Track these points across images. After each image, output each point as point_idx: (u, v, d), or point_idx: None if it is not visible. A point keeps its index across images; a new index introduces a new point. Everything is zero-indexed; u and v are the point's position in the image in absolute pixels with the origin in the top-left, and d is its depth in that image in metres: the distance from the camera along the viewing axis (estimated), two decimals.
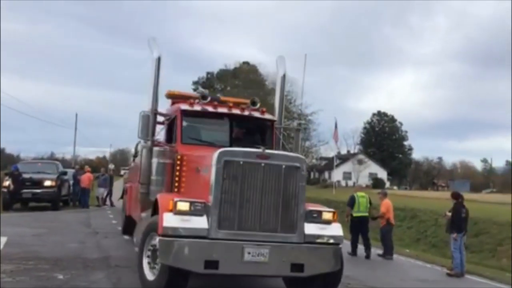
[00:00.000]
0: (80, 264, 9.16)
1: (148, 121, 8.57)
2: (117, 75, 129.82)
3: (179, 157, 8.18)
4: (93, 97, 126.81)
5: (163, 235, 6.43)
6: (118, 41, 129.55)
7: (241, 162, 6.63)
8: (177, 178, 8.10)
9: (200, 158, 7.71)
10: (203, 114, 9.00)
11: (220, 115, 9.09)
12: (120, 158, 77.54)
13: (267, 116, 9.51)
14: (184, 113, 8.86)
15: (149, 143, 8.73)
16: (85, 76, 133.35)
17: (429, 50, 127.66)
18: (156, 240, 6.71)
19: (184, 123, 8.87)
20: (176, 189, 8.09)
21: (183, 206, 6.50)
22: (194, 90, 54.91)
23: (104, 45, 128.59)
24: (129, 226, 12.44)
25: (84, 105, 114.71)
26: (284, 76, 9.92)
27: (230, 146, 8.32)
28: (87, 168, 26.66)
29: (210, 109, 8.99)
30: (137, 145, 15.82)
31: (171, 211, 6.49)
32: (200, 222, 6.49)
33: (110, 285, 7.72)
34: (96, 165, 49.51)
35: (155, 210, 7.26)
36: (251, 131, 9.52)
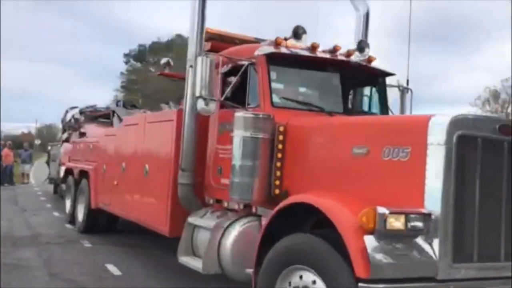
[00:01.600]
0: (9, 242, 8.81)
1: (216, 69, 5.59)
2: (41, 46, 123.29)
3: (281, 129, 5.06)
4: (16, 69, 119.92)
5: (368, 281, 3.49)
6: (44, 11, 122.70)
7: (479, 140, 3.84)
8: (279, 164, 5.04)
9: (372, 130, 4.47)
10: (300, 62, 5.80)
11: (324, 64, 5.87)
12: (48, 133, 74.15)
13: (384, 69, 6.36)
14: (271, 59, 5.50)
15: (212, 105, 5.36)
16: (7, 47, 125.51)
17: None
18: (307, 278, 3.98)
19: (273, 76, 5.60)
20: (277, 182, 5.03)
21: (397, 221, 3.58)
22: (126, 63, 53.33)
23: (29, 14, 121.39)
24: (96, 221, 9.83)
25: (5, 78, 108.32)
26: (367, 15, 7.25)
27: (345, 112, 5.80)
28: (8, 143, 25.44)
29: (306, 53, 5.74)
30: (66, 112, 13.66)
31: (371, 231, 3.55)
32: (424, 252, 3.66)
33: (41, 262, 7.49)
34: (21, 141, 47.22)
35: (276, 221, 4.45)
36: (362, 89, 6.52)
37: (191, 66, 6.00)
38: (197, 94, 5.38)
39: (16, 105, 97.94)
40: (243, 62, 5.62)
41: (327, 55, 5.92)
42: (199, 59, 5.40)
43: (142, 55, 53.39)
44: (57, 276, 6.76)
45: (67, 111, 13.99)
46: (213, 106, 5.42)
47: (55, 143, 19.71)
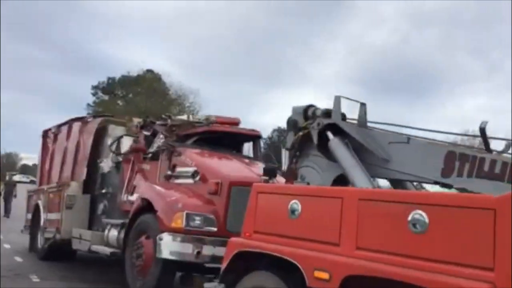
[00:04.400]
0: None
1: None
2: (8, 74, 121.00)
3: None
4: None
5: None
6: (16, 39, 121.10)
7: None
8: None
9: None
10: None
11: None
12: (7, 162, 72.04)
13: None
14: None
15: None
16: None
17: (328, 72, 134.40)
18: None
19: None
20: None
21: None
22: (94, 94, 52.97)
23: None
24: None
25: None
26: None
27: None
28: None
29: None
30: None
31: None
32: None
33: None
34: None
35: None
36: None
37: None
38: None
39: None
40: None
41: None
42: None
43: (111, 87, 53.24)
44: None
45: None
46: None
47: (14, 173, 18.89)
